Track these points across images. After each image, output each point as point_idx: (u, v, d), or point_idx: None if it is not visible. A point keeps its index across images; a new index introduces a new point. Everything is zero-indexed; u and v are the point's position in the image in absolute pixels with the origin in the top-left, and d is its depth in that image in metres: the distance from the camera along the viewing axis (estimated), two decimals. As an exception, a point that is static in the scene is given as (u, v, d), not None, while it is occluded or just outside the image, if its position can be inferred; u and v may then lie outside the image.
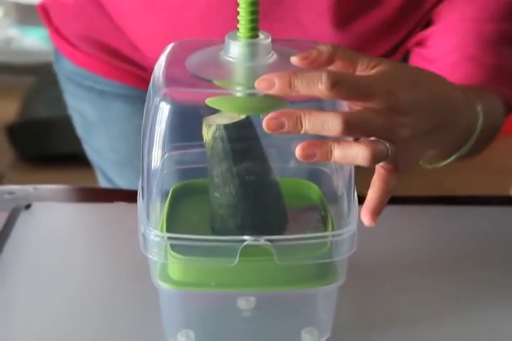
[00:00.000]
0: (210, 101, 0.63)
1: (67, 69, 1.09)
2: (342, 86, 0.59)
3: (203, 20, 0.86)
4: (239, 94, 0.63)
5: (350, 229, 0.66)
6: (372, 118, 0.61)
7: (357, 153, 0.60)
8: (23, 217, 0.91)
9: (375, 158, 0.60)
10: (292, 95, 0.60)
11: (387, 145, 0.61)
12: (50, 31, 1.06)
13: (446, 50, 0.79)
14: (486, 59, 0.85)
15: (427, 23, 0.90)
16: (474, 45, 0.86)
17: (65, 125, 2.50)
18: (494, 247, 0.88)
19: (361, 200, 0.68)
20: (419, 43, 0.90)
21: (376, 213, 0.64)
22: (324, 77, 0.59)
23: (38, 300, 0.79)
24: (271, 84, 0.60)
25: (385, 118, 0.61)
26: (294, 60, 0.62)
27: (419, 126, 0.63)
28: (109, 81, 1.05)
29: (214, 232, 0.69)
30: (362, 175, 0.72)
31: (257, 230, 0.65)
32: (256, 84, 0.60)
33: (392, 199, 0.98)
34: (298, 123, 0.59)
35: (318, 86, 0.59)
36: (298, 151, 0.60)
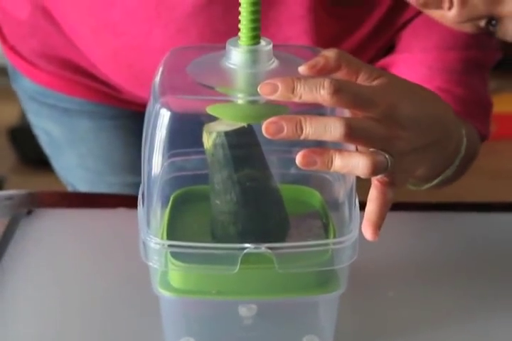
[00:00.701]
0: (210, 109, 0.63)
1: (27, 87, 1.07)
2: (344, 93, 0.59)
3: (167, 44, 0.85)
4: (240, 101, 0.63)
5: (351, 236, 0.65)
6: (374, 127, 0.60)
7: (357, 162, 0.60)
8: (24, 224, 0.90)
9: (376, 169, 0.60)
10: (294, 101, 0.60)
11: (387, 156, 0.61)
12: (6, 49, 1.03)
13: (413, 81, 0.80)
14: (456, 90, 0.86)
15: (389, 49, 0.90)
16: (441, 77, 0.86)
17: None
18: (498, 254, 0.88)
19: (362, 207, 0.68)
20: (383, 69, 0.90)
21: (378, 227, 0.63)
22: (327, 83, 0.59)
23: (38, 307, 0.78)
24: (274, 89, 0.59)
25: (386, 128, 0.61)
26: (302, 69, 0.62)
27: (416, 141, 0.63)
28: (72, 98, 1.04)
29: (215, 239, 0.68)
30: (363, 183, 0.72)
31: (257, 237, 0.65)
32: (259, 89, 0.60)
33: (393, 205, 0.98)
34: (298, 127, 0.59)
35: (321, 91, 0.59)
36: (298, 159, 0.60)
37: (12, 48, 1.03)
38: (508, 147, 2.58)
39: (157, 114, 0.63)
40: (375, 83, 0.63)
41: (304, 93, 0.59)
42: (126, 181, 1.08)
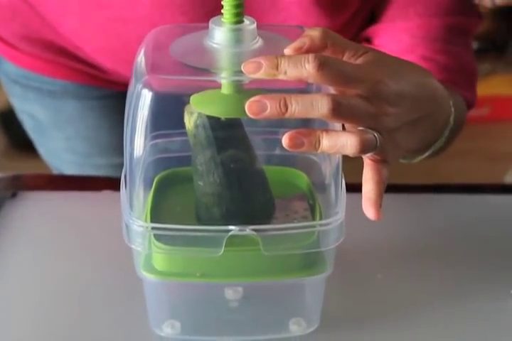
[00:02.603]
0: (194, 103, 0.62)
1: (10, 71, 1.06)
2: (329, 68, 0.58)
3: (153, 14, 0.84)
4: (224, 81, 0.62)
5: (337, 218, 0.65)
6: (361, 104, 0.59)
7: (345, 141, 0.59)
8: (9, 206, 0.90)
9: (364, 147, 0.59)
10: (279, 78, 0.59)
11: (376, 134, 0.60)
12: None
13: (397, 50, 0.78)
14: (440, 59, 0.85)
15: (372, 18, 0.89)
16: (424, 45, 0.85)
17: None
18: (488, 235, 0.87)
19: (349, 189, 0.67)
20: (367, 40, 0.89)
21: (379, 205, 0.62)
22: (311, 57, 0.58)
23: (21, 289, 0.78)
24: (258, 67, 0.58)
25: (373, 105, 0.60)
26: (288, 51, 0.60)
27: (404, 116, 0.62)
28: (56, 80, 1.03)
29: (199, 221, 0.68)
30: (350, 165, 0.71)
31: (242, 219, 0.64)
32: (243, 68, 0.59)
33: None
34: (282, 105, 0.58)
35: (306, 66, 0.57)
36: (285, 141, 0.59)
37: None
38: (501, 129, 2.57)
39: (139, 95, 0.62)
40: (360, 60, 0.62)
41: (289, 69, 0.58)
42: (114, 162, 1.07)
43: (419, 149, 0.73)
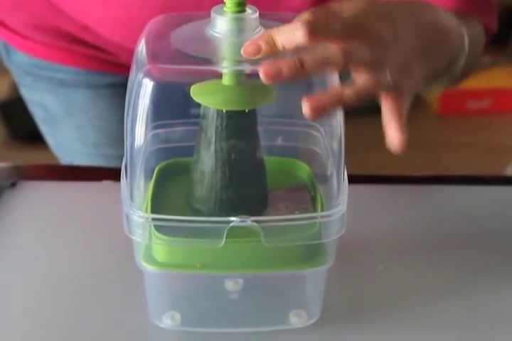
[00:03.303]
0: (195, 94, 0.62)
1: (21, 62, 1.05)
2: (319, 30, 0.59)
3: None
4: (225, 71, 0.61)
5: (339, 209, 0.65)
6: (365, 50, 0.60)
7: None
8: (8, 195, 0.89)
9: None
10: (279, 52, 0.59)
11: (387, 72, 0.61)
12: None
13: None
14: None
15: None
16: None
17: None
18: (489, 227, 0.87)
19: (351, 181, 0.67)
20: None
21: (404, 139, 0.64)
22: (299, 24, 0.58)
23: (22, 280, 0.77)
24: (257, 48, 0.59)
25: (376, 50, 0.61)
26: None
27: (408, 51, 0.63)
28: (68, 68, 1.02)
29: (196, 211, 0.67)
30: (352, 155, 0.70)
31: (233, 209, 0.64)
32: (243, 53, 0.59)
33: (386, 178, 0.98)
34: (297, 63, 0.58)
35: (297, 35, 0.58)
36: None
37: (2, 23, 1.01)
38: (501, 122, 2.57)
39: (139, 84, 0.62)
40: (349, 10, 0.63)
41: (284, 40, 0.59)
42: (123, 153, 1.07)
43: (435, 76, 0.73)
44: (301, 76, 0.59)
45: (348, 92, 0.60)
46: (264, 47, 0.59)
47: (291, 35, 0.59)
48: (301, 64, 0.58)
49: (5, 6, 0.98)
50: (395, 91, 0.63)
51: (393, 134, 0.64)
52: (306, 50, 0.59)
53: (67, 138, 1.10)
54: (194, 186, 0.67)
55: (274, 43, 0.59)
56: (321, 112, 0.60)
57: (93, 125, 1.06)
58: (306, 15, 0.59)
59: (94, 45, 0.97)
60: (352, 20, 0.62)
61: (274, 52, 0.59)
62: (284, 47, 0.59)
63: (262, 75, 0.58)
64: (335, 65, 0.60)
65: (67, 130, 1.09)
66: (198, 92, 0.63)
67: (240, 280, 0.70)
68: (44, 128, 1.13)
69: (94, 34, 0.95)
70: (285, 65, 0.58)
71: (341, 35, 0.60)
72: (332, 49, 0.59)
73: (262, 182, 0.68)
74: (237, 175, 0.66)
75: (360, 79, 0.61)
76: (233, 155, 0.65)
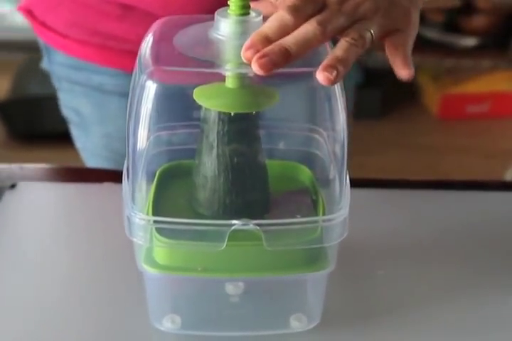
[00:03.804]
0: (197, 97, 0.61)
1: (60, 63, 1.05)
2: (299, 9, 0.61)
3: None
4: (228, 74, 0.61)
5: (341, 214, 0.64)
6: (339, 18, 0.63)
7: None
8: (8, 197, 0.89)
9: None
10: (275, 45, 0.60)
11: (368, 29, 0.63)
12: (36, 27, 1.02)
13: None
14: None
15: None
16: None
17: (56, 103, 2.50)
18: (488, 232, 0.87)
19: (353, 185, 0.67)
20: None
21: (409, 66, 0.65)
22: (284, 11, 0.61)
23: (21, 282, 0.77)
24: (255, 50, 0.59)
25: (346, 12, 0.63)
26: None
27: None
28: (106, 69, 1.01)
29: (198, 214, 0.67)
30: (354, 159, 0.70)
31: (239, 212, 0.64)
32: (243, 58, 0.59)
33: (386, 183, 0.98)
34: (283, 50, 0.59)
35: (285, 21, 0.60)
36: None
37: (43, 24, 1.02)
38: (501, 126, 2.57)
39: (143, 86, 0.62)
40: None
41: (277, 32, 0.60)
42: None
43: None
44: (289, 62, 0.60)
45: (290, 40, 0.61)
46: (262, 47, 0.59)
47: (282, 23, 0.60)
48: (287, 50, 0.59)
49: (49, 5, 0.99)
50: (390, 32, 0.65)
51: (400, 71, 0.65)
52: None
53: (95, 145, 1.09)
54: (196, 190, 0.67)
55: (269, 40, 0.59)
56: (336, 77, 0.60)
57: (120, 136, 1.06)
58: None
59: (134, 42, 0.97)
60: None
61: (272, 44, 0.60)
62: (278, 40, 0.60)
63: (256, 69, 0.58)
64: (316, 41, 0.61)
65: (95, 137, 1.08)
66: (201, 95, 0.63)
67: (241, 284, 0.70)
68: (74, 133, 1.13)
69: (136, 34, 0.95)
70: (274, 56, 0.59)
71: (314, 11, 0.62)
72: (307, 27, 0.60)
73: (264, 186, 0.68)
74: (240, 179, 0.65)
75: (347, 41, 0.62)
76: (235, 159, 0.64)
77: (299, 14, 0.61)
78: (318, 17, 0.62)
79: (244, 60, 0.59)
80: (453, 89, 2.58)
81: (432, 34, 2.53)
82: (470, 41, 2.51)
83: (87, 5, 0.95)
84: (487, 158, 2.36)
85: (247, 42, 0.59)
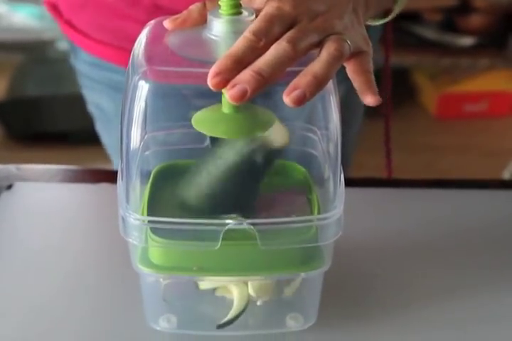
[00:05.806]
0: (196, 123, 0.61)
1: (84, 61, 1.06)
2: (263, 32, 0.59)
3: None
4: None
5: (335, 212, 0.64)
6: (308, 33, 0.60)
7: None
8: (4, 197, 0.89)
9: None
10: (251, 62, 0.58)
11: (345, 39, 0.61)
12: (62, 25, 1.03)
13: None
14: None
15: None
16: None
17: (54, 103, 2.50)
18: (486, 231, 0.87)
19: (348, 184, 0.67)
20: None
21: (374, 91, 0.62)
22: (248, 34, 0.58)
23: (19, 281, 0.77)
24: (224, 77, 0.57)
25: (319, 23, 0.61)
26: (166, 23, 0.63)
27: (339, 13, 0.63)
28: (124, 69, 1.02)
29: (187, 209, 0.67)
30: (350, 159, 0.70)
31: (230, 210, 0.64)
32: (211, 86, 0.56)
33: (383, 181, 0.98)
34: (256, 74, 0.57)
35: (252, 43, 0.58)
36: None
37: (68, 22, 1.02)
38: (499, 125, 2.57)
39: (136, 86, 0.62)
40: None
41: (248, 53, 0.57)
42: None
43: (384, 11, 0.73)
44: (265, 86, 0.57)
45: (319, 67, 0.59)
46: (229, 73, 0.57)
47: (250, 45, 0.58)
48: (260, 74, 0.56)
49: (73, 4, 1.00)
50: (355, 52, 0.63)
51: (366, 98, 0.62)
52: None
53: (117, 140, 1.10)
54: (190, 189, 0.67)
55: (240, 62, 0.57)
56: (303, 98, 0.58)
57: None
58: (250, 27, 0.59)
59: None
60: (280, 12, 0.60)
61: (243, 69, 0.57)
62: (248, 61, 0.57)
63: (229, 99, 0.56)
64: (289, 60, 0.58)
65: (117, 131, 1.09)
66: (199, 121, 0.62)
67: (237, 283, 0.70)
68: (99, 128, 1.13)
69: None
70: (247, 83, 0.56)
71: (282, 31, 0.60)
72: (277, 47, 0.58)
73: (258, 185, 0.68)
74: (234, 178, 0.65)
75: (324, 52, 0.60)
76: (230, 158, 0.64)
77: (266, 35, 0.58)
78: (288, 35, 0.59)
79: (212, 88, 0.57)
80: (450, 89, 2.58)
81: (430, 33, 2.54)
82: (467, 40, 2.51)
83: (112, 8, 0.95)
84: (485, 157, 2.36)
85: (214, 68, 0.56)
